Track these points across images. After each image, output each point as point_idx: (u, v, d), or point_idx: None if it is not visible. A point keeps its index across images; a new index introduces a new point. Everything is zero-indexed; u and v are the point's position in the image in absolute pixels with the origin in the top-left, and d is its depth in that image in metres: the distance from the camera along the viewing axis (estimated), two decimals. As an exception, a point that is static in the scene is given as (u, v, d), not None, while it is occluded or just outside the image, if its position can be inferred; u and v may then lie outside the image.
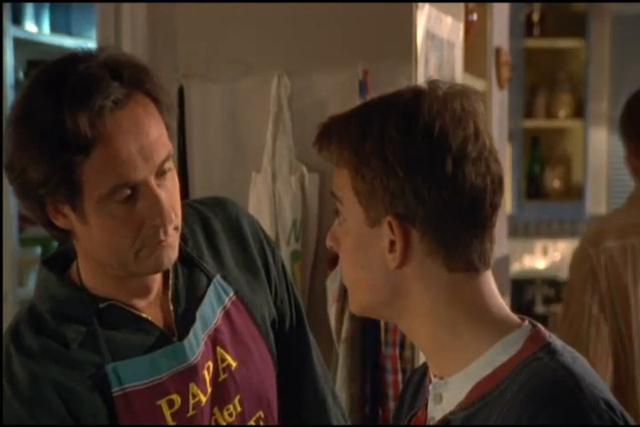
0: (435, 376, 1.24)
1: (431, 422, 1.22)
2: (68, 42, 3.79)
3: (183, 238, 1.54)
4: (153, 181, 1.39)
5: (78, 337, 1.44)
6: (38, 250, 3.48)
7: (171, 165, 1.43)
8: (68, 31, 3.81)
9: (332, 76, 2.36)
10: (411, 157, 1.16)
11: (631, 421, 1.13)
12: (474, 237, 1.19)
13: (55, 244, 3.59)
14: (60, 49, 3.80)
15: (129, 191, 1.38)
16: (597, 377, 1.16)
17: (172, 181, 1.44)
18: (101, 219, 1.39)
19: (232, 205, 1.67)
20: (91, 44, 3.55)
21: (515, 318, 1.23)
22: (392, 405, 2.17)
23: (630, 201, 2.58)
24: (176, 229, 1.45)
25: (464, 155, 1.16)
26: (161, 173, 1.41)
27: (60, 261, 1.52)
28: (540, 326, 1.22)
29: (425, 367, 1.31)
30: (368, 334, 2.20)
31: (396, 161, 1.16)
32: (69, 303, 1.46)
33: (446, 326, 1.20)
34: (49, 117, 1.35)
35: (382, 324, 2.20)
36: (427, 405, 1.25)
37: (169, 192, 1.42)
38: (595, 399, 1.11)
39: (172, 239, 1.44)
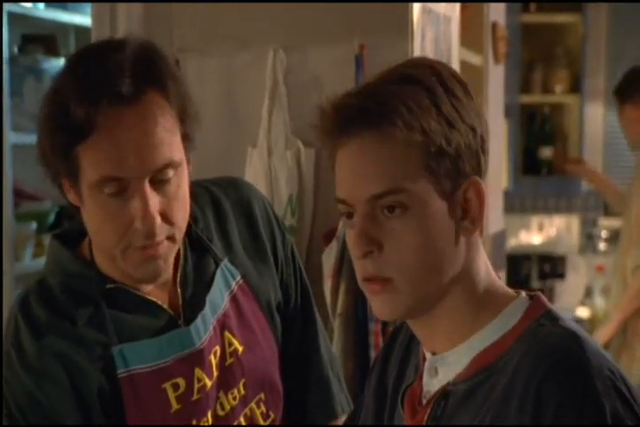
0: (427, 351, 1.24)
1: (427, 396, 1.23)
2: (63, 16, 3.78)
3: (194, 219, 1.54)
4: (146, 184, 1.38)
5: (85, 315, 1.45)
6: (34, 225, 3.48)
7: (178, 177, 1.41)
8: (62, 6, 3.79)
9: (328, 50, 2.35)
10: (476, 115, 1.19)
11: (631, 385, 1.14)
12: None
13: (50, 219, 3.60)
14: (54, 24, 3.79)
15: (118, 186, 1.37)
16: (598, 345, 1.17)
17: (177, 192, 1.41)
18: (92, 206, 1.40)
19: (245, 187, 1.66)
20: (86, 19, 3.53)
21: (509, 290, 1.24)
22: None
23: None
24: (171, 239, 1.42)
25: None
26: (159, 180, 1.39)
27: (70, 236, 1.52)
28: (539, 293, 1.23)
29: (410, 332, 1.31)
30: (359, 309, 2.20)
31: (471, 119, 1.18)
32: (80, 280, 1.47)
33: (468, 305, 1.20)
34: (60, 102, 1.37)
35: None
36: (421, 377, 1.25)
37: (168, 201, 1.40)
38: (599, 365, 1.11)
39: (164, 251, 1.42)
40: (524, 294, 1.23)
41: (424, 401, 1.23)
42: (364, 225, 1.17)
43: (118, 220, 1.39)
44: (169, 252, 1.43)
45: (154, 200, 1.38)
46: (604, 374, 1.11)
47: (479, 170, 1.19)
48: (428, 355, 1.24)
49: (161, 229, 1.40)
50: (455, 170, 1.17)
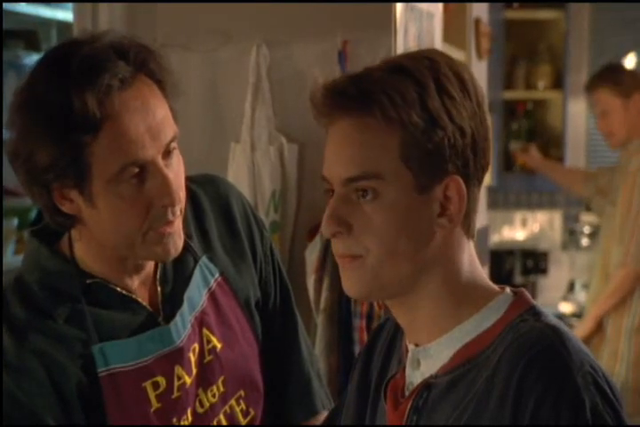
0: (410, 343, 1.25)
1: (410, 387, 1.23)
2: (45, 12, 3.76)
3: None
4: (161, 161, 1.39)
5: (65, 312, 1.43)
6: (15, 221, 3.47)
7: (176, 146, 1.43)
8: (44, 1, 3.78)
9: (312, 46, 2.34)
10: (470, 114, 1.18)
11: (612, 383, 1.14)
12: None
13: (32, 215, 3.58)
14: (36, 19, 3.77)
15: (137, 170, 1.37)
16: (580, 341, 1.18)
17: (178, 162, 1.43)
18: (110, 201, 1.38)
19: (223, 184, 1.66)
20: (67, 14, 3.52)
21: (494, 286, 1.24)
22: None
23: None
24: (181, 210, 1.44)
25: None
26: (167, 153, 1.40)
27: (48, 233, 1.51)
28: (523, 289, 1.24)
29: (394, 327, 1.31)
30: (342, 305, 2.21)
31: (461, 119, 1.17)
32: (59, 277, 1.45)
33: (450, 296, 1.21)
34: (55, 99, 1.34)
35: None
36: (404, 369, 1.25)
37: (175, 172, 1.41)
38: (580, 361, 1.12)
39: (178, 224, 1.44)
40: (508, 289, 1.23)
41: (407, 393, 1.23)
42: (336, 206, 1.19)
43: (139, 203, 1.38)
44: (180, 225, 1.45)
45: (170, 175, 1.40)
46: (585, 369, 1.11)
47: (466, 171, 1.19)
48: (410, 346, 1.24)
49: (180, 201, 1.42)
50: (434, 166, 1.17)
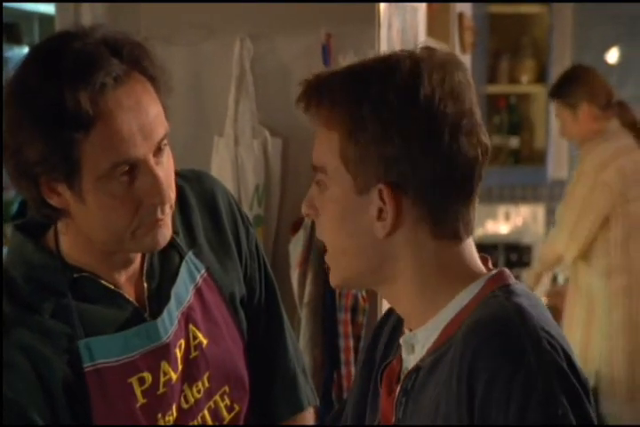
0: (407, 329, 1.28)
1: (404, 372, 1.25)
2: (27, 4, 3.74)
3: None
4: (152, 160, 1.39)
5: (50, 306, 1.43)
6: (-2, 215, 3.45)
7: (166, 143, 1.43)
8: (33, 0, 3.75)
9: (295, 39, 2.34)
10: (409, 124, 1.17)
11: (575, 363, 1.14)
12: (461, 207, 1.22)
13: (14, 208, 3.56)
14: (18, 11, 3.75)
15: (127, 168, 1.37)
16: (555, 326, 1.18)
17: (168, 159, 1.43)
18: (99, 198, 1.38)
19: (209, 180, 1.66)
20: (50, 7, 3.49)
21: (481, 269, 1.26)
22: (345, 370, 2.18)
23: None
24: (171, 207, 1.44)
25: (460, 128, 1.18)
26: (158, 151, 1.40)
27: (33, 226, 1.50)
28: (503, 269, 1.25)
29: (398, 317, 1.33)
30: (326, 299, 2.21)
31: (394, 128, 1.17)
32: (45, 271, 1.45)
33: (428, 288, 1.23)
34: (47, 95, 1.33)
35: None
36: (401, 355, 1.27)
37: (165, 170, 1.41)
38: (537, 340, 1.12)
39: (167, 218, 1.44)
40: (494, 271, 1.25)
41: (402, 378, 1.26)
42: (310, 189, 1.25)
43: (129, 201, 1.38)
44: (170, 219, 1.45)
45: (161, 173, 1.40)
46: (542, 348, 1.12)
47: (404, 180, 1.18)
48: (406, 331, 1.27)
49: (171, 200, 1.43)
50: (366, 170, 1.19)
